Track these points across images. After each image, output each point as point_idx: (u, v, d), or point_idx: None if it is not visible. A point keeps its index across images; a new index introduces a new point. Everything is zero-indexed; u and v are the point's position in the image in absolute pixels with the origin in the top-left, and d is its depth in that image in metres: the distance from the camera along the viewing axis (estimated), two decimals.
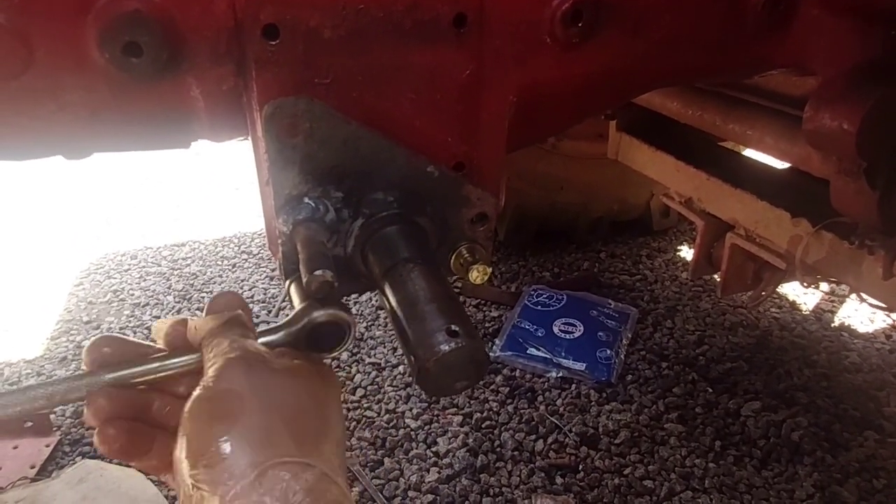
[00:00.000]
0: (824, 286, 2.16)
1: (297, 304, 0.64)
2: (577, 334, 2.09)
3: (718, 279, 1.61)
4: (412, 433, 1.75)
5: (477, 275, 0.75)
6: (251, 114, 0.65)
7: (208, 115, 0.66)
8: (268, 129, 0.61)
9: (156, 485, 1.52)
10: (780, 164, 1.50)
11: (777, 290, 1.62)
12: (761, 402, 1.81)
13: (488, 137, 0.74)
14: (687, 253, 2.62)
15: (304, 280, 0.58)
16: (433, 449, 1.70)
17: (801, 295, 2.31)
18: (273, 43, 0.60)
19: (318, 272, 0.58)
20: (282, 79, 0.62)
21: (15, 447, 1.64)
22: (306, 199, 0.66)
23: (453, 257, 0.76)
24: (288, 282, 0.70)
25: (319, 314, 0.61)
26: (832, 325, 2.17)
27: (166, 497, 1.49)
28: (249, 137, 0.70)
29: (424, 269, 0.64)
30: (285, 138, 0.62)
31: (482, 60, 0.68)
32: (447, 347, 0.55)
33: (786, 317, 2.21)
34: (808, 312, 2.24)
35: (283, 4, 0.59)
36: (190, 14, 0.58)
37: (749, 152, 1.74)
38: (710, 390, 1.88)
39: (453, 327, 0.57)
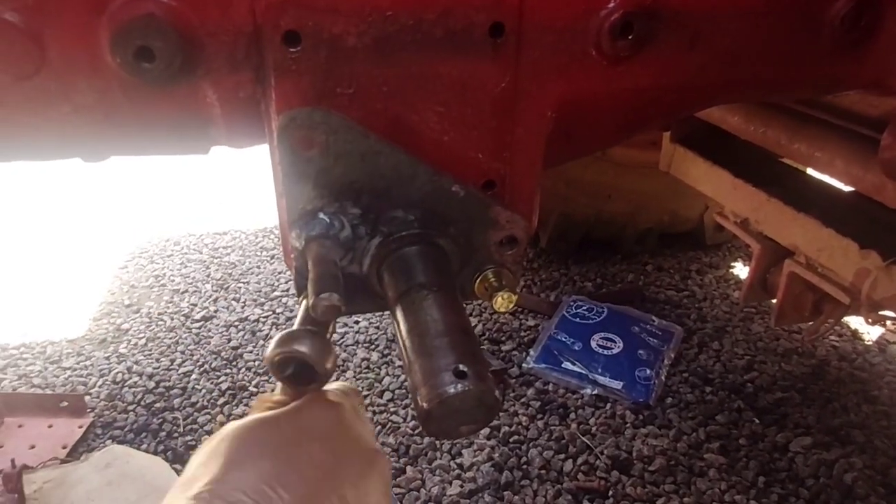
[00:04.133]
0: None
1: (297, 323, 0.62)
2: (615, 350, 2.01)
3: (774, 304, 1.50)
4: (437, 443, 1.71)
5: (501, 302, 0.70)
6: (269, 123, 0.62)
7: (226, 123, 0.63)
8: (281, 140, 0.57)
9: (179, 475, 1.53)
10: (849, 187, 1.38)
11: None
12: (812, 438, 1.69)
13: (522, 155, 0.68)
14: (741, 271, 2.48)
15: (311, 303, 0.55)
16: (457, 461, 1.66)
17: (865, 324, 2.15)
18: (294, 50, 0.57)
19: (324, 295, 0.55)
20: (302, 88, 0.58)
21: (50, 426, 1.69)
22: (321, 215, 0.62)
23: (478, 281, 0.71)
24: (301, 297, 0.66)
25: (290, 349, 0.58)
26: None
27: None
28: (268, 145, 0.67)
29: (439, 298, 0.60)
30: (300, 151, 0.58)
31: (519, 73, 0.63)
32: (452, 390, 0.51)
33: (846, 346, 2.07)
34: (870, 343, 2.09)
35: (306, 10, 0.55)
36: (207, 18, 0.55)
37: (814, 171, 1.62)
38: (757, 421, 1.77)
39: (461, 367, 0.52)
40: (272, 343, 0.59)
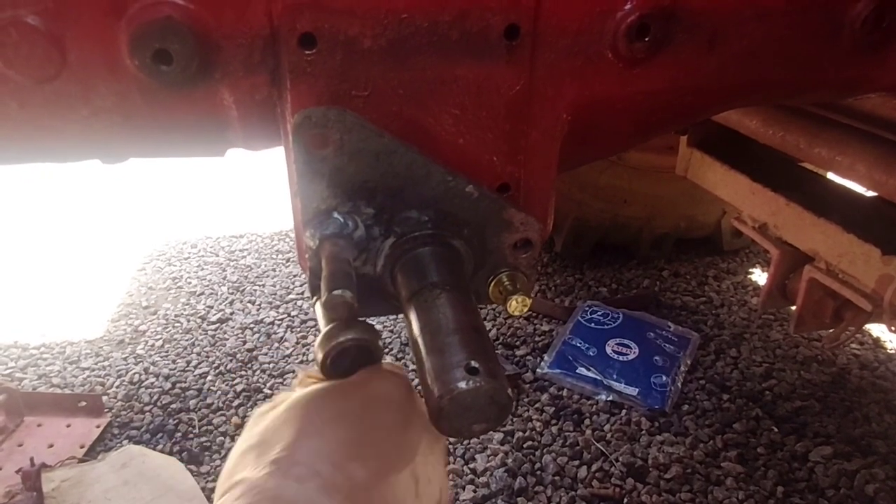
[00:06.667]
0: None
1: (322, 325, 0.62)
2: (631, 357, 1.99)
3: (793, 311, 1.47)
4: (450, 446, 1.70)
5: (516, 305, 0.70)
6: (285, 125, 0.62)
7: (242, 125, 0.63)
8: (296, 139, 0.58)
9: (194, 475, 1.54)
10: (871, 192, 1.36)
11: None
12: (833, 448, 1.66)
13: (537, 158, 0.68)
14: (759, 277, 2.45)
15: (323, 299, 0.55)
16: (470, 465, 1.65)
17: (887, 331, 2.11)
18: (310, 52, 0.57)
19: (337, 292, 0.55)
20: (318, 90, 0.59)
21: (68, 425, 1.71)
22: (335, 214, 0.62)
23: (492, 284, 0.71)
24: (315, 298, 0.67)
25: (344, 339, 0.59)
26: None
27: (203, 489, 1.51)
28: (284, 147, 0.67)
29: (452, 297, 0.59)
30: (314, 149, 0.59)
31: (534, 76, 0.63)
32: (464, 386, 0.51)
33: (867, 354, 2.02)
34: (893, 351, 2.05)
35: (322, 12, 0.56)
36: (224, 21, 0.55)
37: (834, 175, 1.59)
38: (776, 430, 1.74)
39: (473, 364, 0.52)
40: (319, 343, 0.59)
